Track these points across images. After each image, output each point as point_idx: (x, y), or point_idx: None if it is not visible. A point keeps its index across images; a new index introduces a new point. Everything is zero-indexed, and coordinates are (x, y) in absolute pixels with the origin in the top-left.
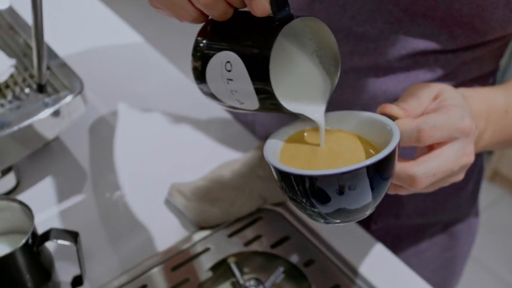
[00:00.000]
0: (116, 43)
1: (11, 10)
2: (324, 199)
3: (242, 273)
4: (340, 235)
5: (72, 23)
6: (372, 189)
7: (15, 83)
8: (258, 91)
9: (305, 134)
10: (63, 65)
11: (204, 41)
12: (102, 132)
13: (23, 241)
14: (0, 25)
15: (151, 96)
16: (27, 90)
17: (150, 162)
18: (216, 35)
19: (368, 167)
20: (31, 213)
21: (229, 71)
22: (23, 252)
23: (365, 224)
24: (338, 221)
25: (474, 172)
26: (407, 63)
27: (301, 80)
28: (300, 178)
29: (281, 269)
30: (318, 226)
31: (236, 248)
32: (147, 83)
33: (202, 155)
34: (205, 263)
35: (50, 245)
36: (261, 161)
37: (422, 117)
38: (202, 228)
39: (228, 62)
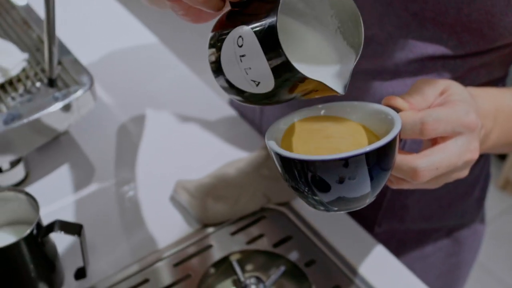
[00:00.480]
0: (129, 41)
1: (26, 6)
2: (324, 186)
3: (243, 271)
4: (343, 236)
5: (86, 21)
6: (371, 178)
7: (27, 77)
8: (270, 61)
9: (308, 121)
10: (75, 61)
11: (219, 31)
12: (111, 128)
13: (28, 231)
14: (15, 20)
15: (161, 95)
16: (38, 84)
17: (157, 159)
18: (228, 21)
19: (367, 154)
20: (36, 204)
21: (241, 46)
22: (27, 242)
23: (369, 226)
24: (336, 209)
25: (481, 179)
26: (414, 67)
27: (321, 57)
28: (300, 163)
29: (282, 268)
30: (321, 227)
31: (238, 246)
32: (158, 82)
33: (209, 154)
34: (207, 260)
35: (55, 237)
36: (266, 161)
37: (426, 110)
38: (205, 225)
39: (240, 37)
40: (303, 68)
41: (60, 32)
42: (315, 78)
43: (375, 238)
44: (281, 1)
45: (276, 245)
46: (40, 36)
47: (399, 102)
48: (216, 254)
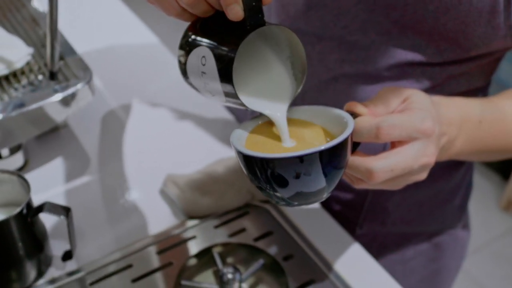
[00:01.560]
0: (131, 41)
1: (36, 5)
2: (282, 182)
3: (224, 262)
4: (322, 234)
5: (91, 20)
6: (325, 174)
7: (31, 70)
8: (223, 87)
9: (273, 124)
10: (76, 57)
11: (190, 36)
12: (109, 123)
13: (18, 209)
14: (24, 18)
15: (159, 93)
16: (40, 77)
17: (150, 154)
18: (200, 31)
19: (320, 152)
20: (28, 185)
21: (204, 65)
22: (17, 220)
23: (351, 228)
24: (297, 203)
25: (462, 187)
26: (395, 73)
27: (268, 82)
28: (260, 161)
29: (261, 261)
30: (302, 224)
31: (221, 239)
32: (157, 81)
33: (200, 152)
34: (190, 250)
35: (45, 222)
36: None
37: (383, 116)
38: (191, 217)
39: (204, 56)
40: (248, 99)
41: (65, 30)
42: (256, 109)
43: (357, 239)
44: (242, 43)
45: (257, 239)
46: (46, 33)
47: (358, 107)
48: (199, 245)
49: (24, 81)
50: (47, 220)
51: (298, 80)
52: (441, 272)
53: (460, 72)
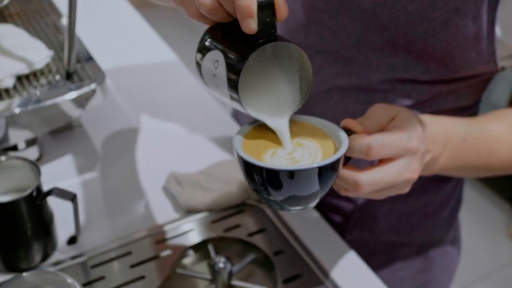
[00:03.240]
0: (148, 53)
1: (58, 13)
2: (277, 186)
3: (217, 254)
4: (313, 234)
5: (115, 35)
6: (319, 183)
7: (49, 71)
8: (230, 93)
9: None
10: (93, 62)
11: (207, 39)
12: (120, 126)
13: (28, 191)
14: (47, 25)
15: (168, 102)
16: (57, 77)
17: (156, 155)
18: (217, 36)
19: (318, 168)
20: (38, 171)
21: (216, 68)
22: (26, 201)
23: (340, 234)
24: (292, 208)
25: (451, 201)
26: (386, 88)
27: (274, 92)
28: (258, 168)
29: (252, 255)
30: (294, 223)
31: (216, 233)
32: (168, 90)
33: (203, 155)
34: (187, 242)
35: (54, 209)
36: None
37: (374, 135)
38: (190, 212)
39: (216, 61)
40: (252, 107)
41: (90, 43)
42: (258, 118)
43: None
44: (251, 56)
45: (250, 235)
46: (64, 35)
47: (354, 125)
48: (195, 237)
49: (43, 80)
50: (55, 208)
51: (303, 94)
52: (431, 285)
53: (448, 90)
